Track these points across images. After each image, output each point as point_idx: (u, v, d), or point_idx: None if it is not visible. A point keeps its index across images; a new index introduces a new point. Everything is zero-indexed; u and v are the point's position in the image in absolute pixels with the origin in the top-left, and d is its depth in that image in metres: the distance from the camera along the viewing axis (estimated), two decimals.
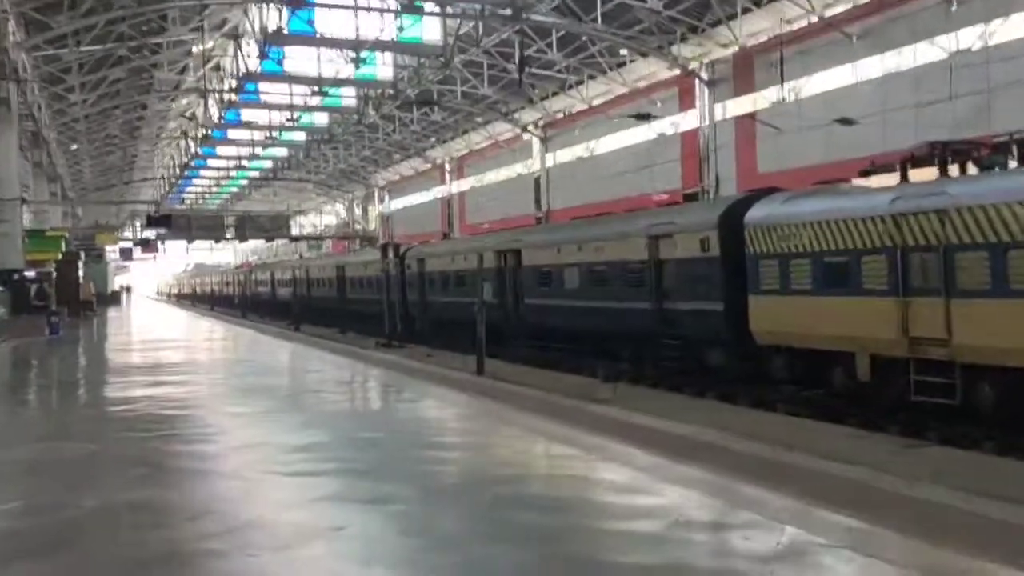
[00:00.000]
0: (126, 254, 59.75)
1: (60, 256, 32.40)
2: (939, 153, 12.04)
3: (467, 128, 47.63)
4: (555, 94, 38.93)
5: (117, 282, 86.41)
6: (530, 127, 42.36)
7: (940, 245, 11.09)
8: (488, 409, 12.07)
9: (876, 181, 13.27)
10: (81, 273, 40.99)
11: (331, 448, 8.86)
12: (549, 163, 42.23)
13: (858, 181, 14.09)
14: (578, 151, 39.36)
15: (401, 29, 33.03)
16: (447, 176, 53.95)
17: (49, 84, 31.86)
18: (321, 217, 77.47)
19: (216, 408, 11.86)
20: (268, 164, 65.22)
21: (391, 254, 30.71)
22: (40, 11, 26.42)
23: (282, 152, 61.15)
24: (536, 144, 42.97)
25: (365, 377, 16.40)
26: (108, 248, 56.50)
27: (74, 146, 47.37)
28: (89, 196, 68.07)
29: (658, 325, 17.10)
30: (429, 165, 55.09)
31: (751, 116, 28.55)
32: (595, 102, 36.81)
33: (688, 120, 31.94)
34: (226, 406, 12.03)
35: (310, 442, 8.97)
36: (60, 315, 26.35)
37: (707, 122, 30.80)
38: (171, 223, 46.18)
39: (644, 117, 29.24)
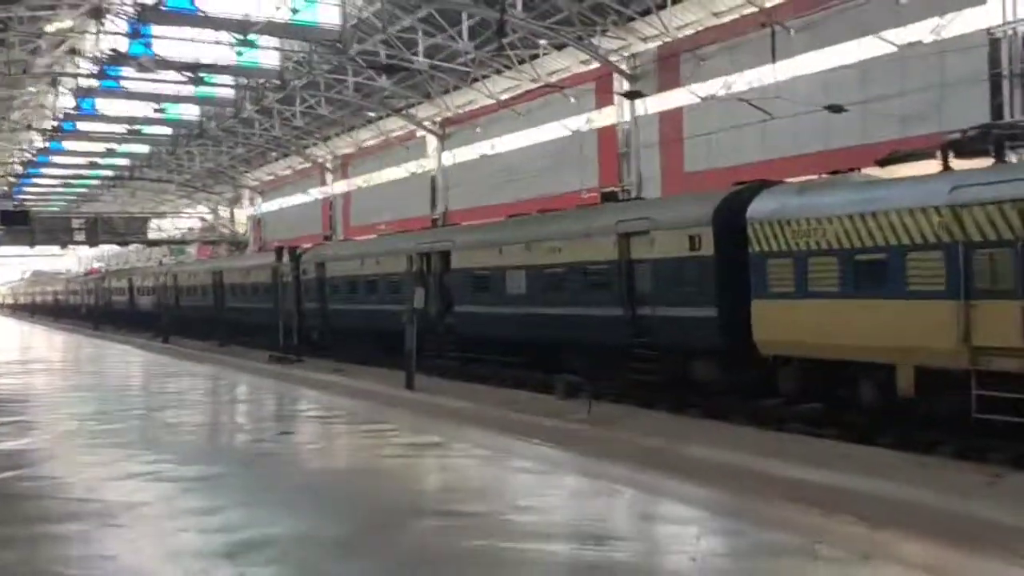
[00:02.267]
0: None
1: None
2: (994, 138, 10.62)
3: (354, 124, 44.62)
4: (456, 88, 36.65)
5: None
6: (426, 123, 39.89)
7: (1018, 241, 9.61)
8: (455, 434, 9.77)
9: (902, 170, 11.80)
10: None
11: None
12: (447, 162, 39.89)
13: (870, 171, 12.64)
14: (481, 149, 37.22)
15: (295, 11, 30.06)
16: (328, 176, 50.64)
17: None
18: (182, 220, 71.95)
19: (89, 476, 8.02)
20: (125, 162, 59.68)
21: (285, 257, 27.57)
22: None
23: (142, 149, 55.98)
24: (432, 142, 40.54)
25: (278, 398, 13.62)
26: None
27: None
28: None
29: (629, 334, 15.18)
30: (309, 164, 51.57)
31: (677, 112, 27.30)
32: (502, 97, 34.78)
33: (606, 116, 30.41)
34: (99, 470, 8.31)
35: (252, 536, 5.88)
36: None
37: (627, 118, 29.34)
38: (28, 221, 40.91)
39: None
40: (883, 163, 12.17)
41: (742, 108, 25.04)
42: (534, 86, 33.22)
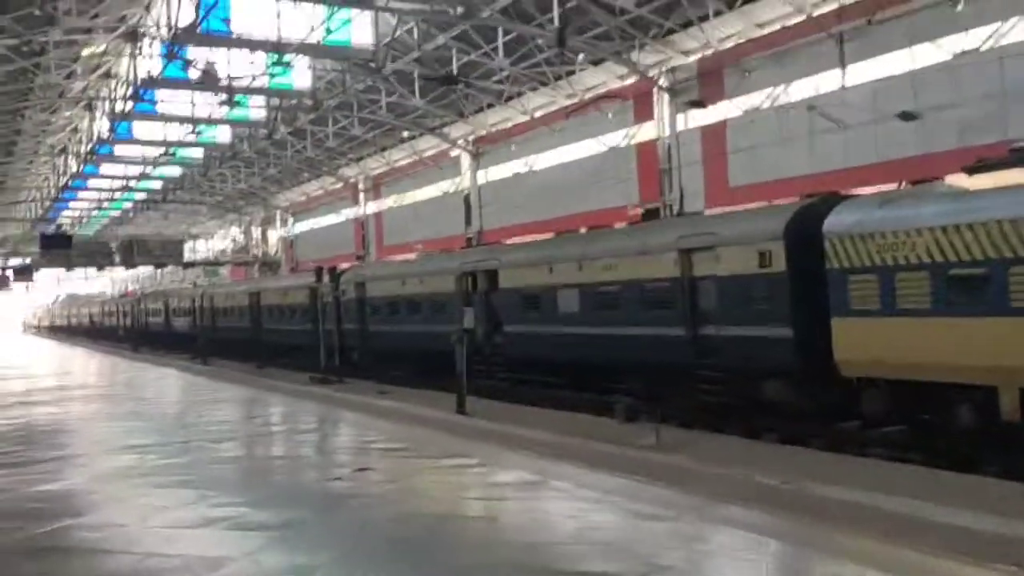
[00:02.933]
0: (2, 282, 53.27)
1: None
2: None
3: (387, 144, 44.41)
4: (491, 106, 36.30)
5: None
6: (460, 142, 39.56)
7: None
8: (544, 468, 9.14)
9: (991, 179, 11.15)
10: None
11: None
12: (481, 180, 39.52)
13: (953, 179, 12.01)
14: (515, 167, 36.81)
15: (329, 32, 29.80)
16: (361, 196, 50.44)
17: None
18: (214, 242, 72.12)
19: (158, 523, 7.16)
20: (158, 185, 59.89)
21: (326, 278, 27.21)
22: None
23: (175, 172, 56.12)
24: (466, 160, 40.20)
25: (334, 426, 13.10)
26: None
27: None
28: None
29: (692, 354, 14.58)
30: (341, 184, 51.44)
31: (720, 126, 26.71)
32: (536, 114, 34.37)
33: (645, 131, 29.87)
34: (167, 515, 7.39)
35: None
36: None
37: (667, 133, 28.79)
38: (71, 244, 40.99)
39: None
40: (971, 171, 11.53)
41: (788, 121, 24.50)
42: (569, 103, 32.84)
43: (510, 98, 34.70)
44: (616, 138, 31.19)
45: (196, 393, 17.96)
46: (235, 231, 68.89)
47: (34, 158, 50.08)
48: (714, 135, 27.08)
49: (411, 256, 32.38)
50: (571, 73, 31.38)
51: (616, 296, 16.26)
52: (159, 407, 14.98)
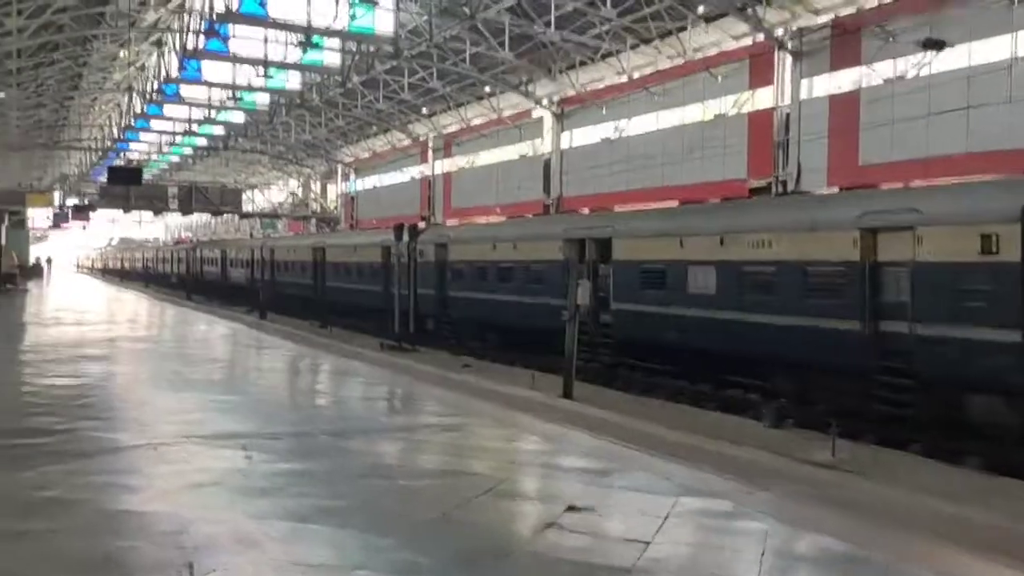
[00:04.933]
0: (62, 217, 52.23)
1: None
2: None
3: (463, 101, 42.04)
4: (583, 64, 33.71)
5: (34, 253, 78.11)
6: (544, 101, 37.04)
7: None
8: (729, 491, 6.77)
9: None
10: (3, 240, 34.07)
11: None
12: (564, 144, 37.03)
13: None
14: (604, 131, 34.24)
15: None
16: (430, 154, 48.21)
17: None
18: (271, 193, 70.60)
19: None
20: (220, 131, 58.25)
21: (405, 236, 25.01)
22: None
23: (239, 118, 54.36)
24: (549, 121, 37.69)
25: (453, 410, 10.71)
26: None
27: (1, 93, 40.06)
28: (12, 159, 60.07)
29: (869, 355, 12.12)
30: (409, 141, 49.24)
31: (852, 96, 23.91)
32: (635, 75, 31.72)
33: (760, 98, 27.12)
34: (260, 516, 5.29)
35: None
36: None
37: (787, 100, 26.02)
38: (140, 180, 39.49)
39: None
40: None
41: (941, 92, 21.64)
42: (672, 64, 30.16)
43: (607, 55, 32.08)
44: (725, 104, 28.47)
45: (274, 357, 15.94)
46: (294, 184, 67.28)
47: (98, 94, 48.61)
48: (844, 105, 24.27)
49: (494, 219, 30.14)
50: (682, 29, 28.66)
51: (768, 278, 13.83)
52: (239, 373, 12.93)
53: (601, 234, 18.07)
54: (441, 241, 24.93)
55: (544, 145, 38.13)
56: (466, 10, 29.01)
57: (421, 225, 29.14)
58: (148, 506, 4.91)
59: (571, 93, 35.61)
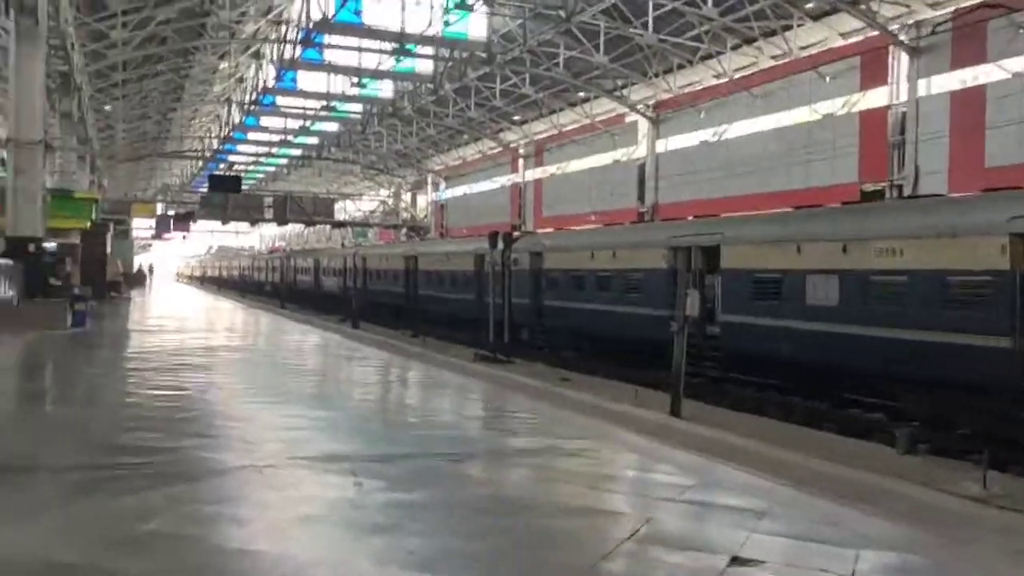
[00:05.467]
0: (163, 226, 53.87)
1: (88, 226, 26.36)
2: None
3: (555, 107, 41.49)
4: (681, 67, 32.73)
5: (137, 261, 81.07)
6: (639, 106, 36.18)
7: None
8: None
9: None
10: (109, 249, 35.08)
11: None
12: (660, 148, 36.07)
13: None
14: (702, 135, 33.17)
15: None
16: (521, 161, 47.81)
17: (88, 13, 26.00)
18: (362, 203, 71.45)
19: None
20: (314, 141, 59.25)
21: (500, 244, 24.54)
22: None
23: (332, 128, 55.17)
24: (643, 126, 36.81)
25: (579, 433, 9.99)
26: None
27: (108, 106, 41.46)
28: (118, 170, 62.24)
29: (1020, 374, 10.96)
30: (500, 149, 48.96)
31: (976, 92, 22.34)
32: (735, 76, 30.59)
33: (873, 97, 25.69)
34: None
35: None
36: (86, 301, 20.28)
37: (903, 99, 24.55)
38: (240, 187, 40.40)
39: None
40: None
41: None
42: (774, 63, 28.94)
43: (706, 57, 31.04)
44: (833, 105, 27.13)
45: (370, 368, 15.58)
46: (384, 193, 67.92)
47: (199, 106, 49.93)
48: (968, 103, 22.72)
49: (590, 227, 29.42)
50: (787, 28, 27.46)
51: (899, 289, 12.74)
52: (337, 386, 12.55)
53: (709, 241, 17.18)
54: (536, 249, 24.36)
55: (638, 151, 37.28)
56: (561, 13, 28.43)
57: (515, 233, 28.67)
58: (258, 543, 4.40)
59: (666, 97, 34.68)
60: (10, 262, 17.20)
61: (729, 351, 16.57)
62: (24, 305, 17.50)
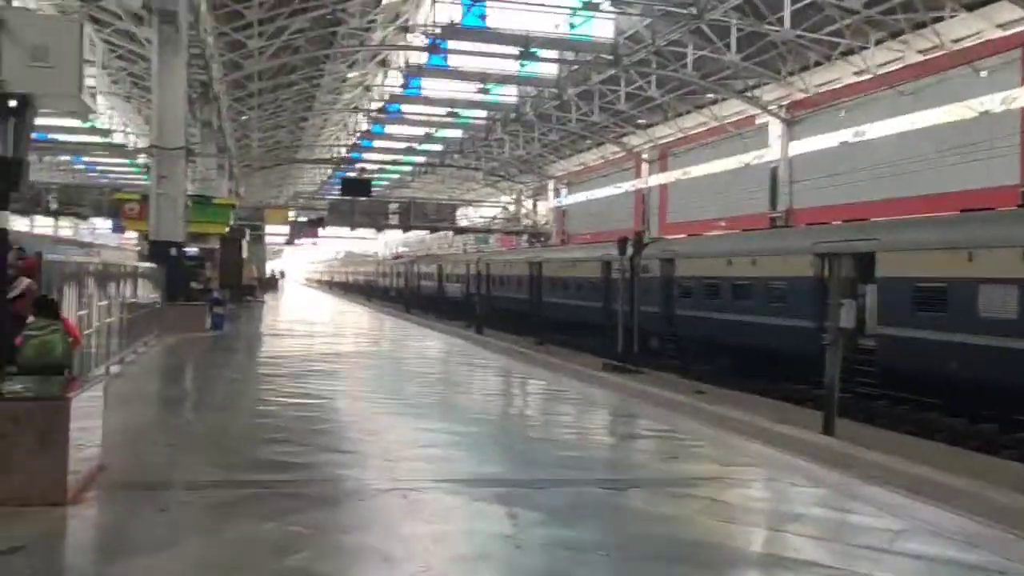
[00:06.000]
0: (295, 232, 55.62)
1: (226, 231, 27.16)
2: None
3: (681, 110, 40.34)
4: (818, 64, 31.10)
5: (269, 267, 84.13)
6: (771, 107, 34.65)
7: None
8: None
9: None
10: (245, 254, 36.20)
11: None
12: (794, 151, 34.42)
13: None
14: (841, 136, 31.40)
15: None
16: (645, 166, 46.74)
17: (225, 23, 26.82)
18: (483, 209, 71.83)
19: None
20: (438, 148, 59.92)
21: (629, 250, 23.80)
22: None
23: (456, 135, 55.61)
24: (776, 127, 35.23)
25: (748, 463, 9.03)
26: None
27: (244, 116, 42.97)
28: (253, 177, 64.63)
29: None
30: (623, 154, 48.05)
31: None
32: (879, 72, 28.78)
33: None
34: None
35: None
36: (224, 304, 20.73)
37: None
38: (369, 189, 41.42)
39: None
40: None
41: None
42: (924, 58, 27.04)
43: (847, 52, 29.34)
44: (991, 102, 25.06)
45: (499, 377, 15.13)
46: (505, 199, 68.03)
47: (329, 115, 51.19)
48: None
49: (721, 232, 28.30)
50: (937, 20, 25.61)
51: None
52: (470, 396, 12.09)
53: (862, 247, 15.95)
54: (668, 255, 23.49)
55: (769, 153, 35.70)
56: (693, 10, 27.42)
57: (644, 239, 27.83)
58: None
59: (801, 96, 33.06)
60: (154, 266, 17.68)
61: (885, 366, 15.30)
62: (166, 308, 17.96)
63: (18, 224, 52.55)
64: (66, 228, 63.80)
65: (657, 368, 22.11)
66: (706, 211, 39.17)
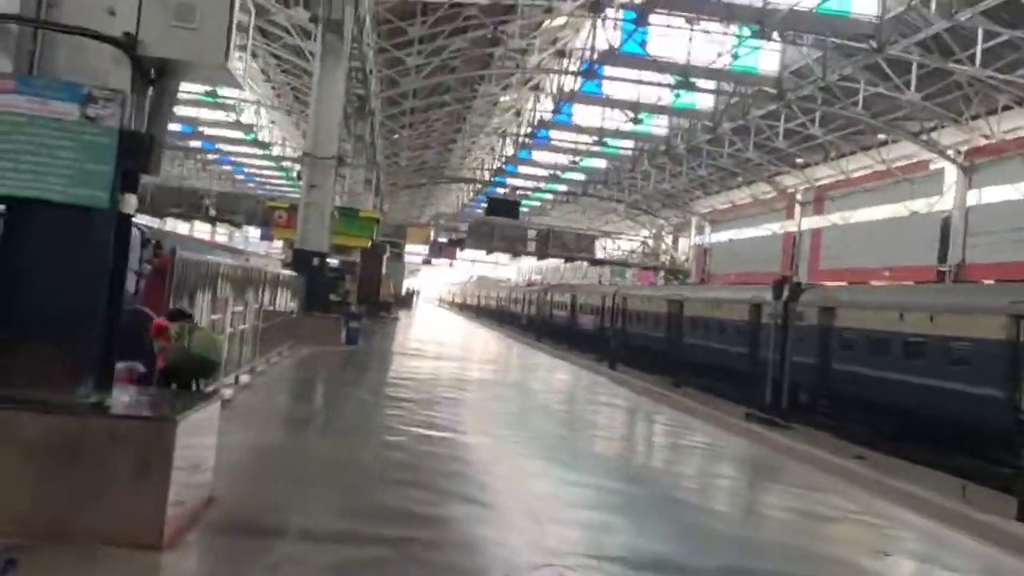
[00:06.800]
0: (434, 252, 56.08)
1: (368, 245, 27.13)
2: None
3: (844, 151, 38.01)
4: (1007, 108, 28.43)
5: (405, 285, 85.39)
6: (950, 151, 31.99)
7: None
8: None
9: None
10: (384, 270, 36.36)
11: None
12: (972, 200, 31.61)
13: None
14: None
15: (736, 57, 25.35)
16: (798, 208, 44.37)
17: (387, 39, 26.94)
18: (622, 242, 70.48)
19: None
20: (581, 177, 59.16)
21: (785, 293, 22.08)
22: None
23: (601, 164, 54.69)
24: (952, 174, 32.51)
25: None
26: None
27: (396, 135, 43.56)
28: (399, 195, 65.79)
29: None
30: (774, 194, 45.84)
31: None
32: None
33: None
34: None
35: None
36: (360, 319, 20.42)
37: None
38: (517, 212, 41.07)
39: None
40: None
41: None
42: None
43: None
44: None
45: (643, 422, 13.99)
46: (644, 233, 66.47)
47: (478, 138, 51.38)
48: None
49: (886, 283, 26.10)
50: None
51: None
52: (615, 446, 10.96)
53: None
54: (827, 303, 21.63)
55: (942, 202, 32.94)
56: (872, 43, 25.47)
57: (813, 285, 25.97)
58: None
59: (984, 142, 30.33)
60: (295, 274, 17.47)
61: None
62: (302, 317, 17.71)
63: (179, 228, 55.48)
64: (222, 235, 66.74)
65: (808, 424, 20.33)
66: (863, 259, 36.64)
